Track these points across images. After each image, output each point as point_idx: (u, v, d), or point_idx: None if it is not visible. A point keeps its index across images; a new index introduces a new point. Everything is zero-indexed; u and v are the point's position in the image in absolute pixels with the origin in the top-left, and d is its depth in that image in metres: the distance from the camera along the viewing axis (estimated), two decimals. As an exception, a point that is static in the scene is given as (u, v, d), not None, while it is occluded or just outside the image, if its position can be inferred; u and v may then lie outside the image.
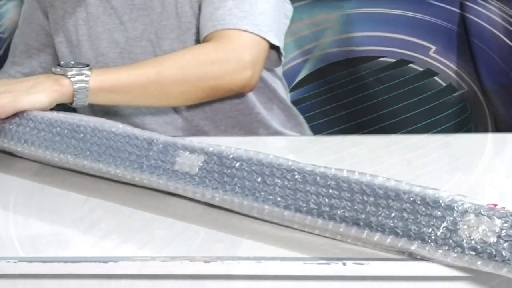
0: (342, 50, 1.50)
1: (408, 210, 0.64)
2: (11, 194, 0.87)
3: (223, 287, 0.67)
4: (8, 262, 0.67)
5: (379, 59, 1.49)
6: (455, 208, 0.62)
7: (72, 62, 0.99)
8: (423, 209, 0.63)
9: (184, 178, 0.76)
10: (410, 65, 1.48)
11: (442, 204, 0.63)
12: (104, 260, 0.66)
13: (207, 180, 0.75)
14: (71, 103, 0.97)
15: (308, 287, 0.66)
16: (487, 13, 1.45)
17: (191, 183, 0.76)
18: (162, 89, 1.01)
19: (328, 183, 0.68)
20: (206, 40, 1.08)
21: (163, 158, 0.79)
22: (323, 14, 1.49)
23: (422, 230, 0.63)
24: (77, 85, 0.95)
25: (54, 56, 1.26)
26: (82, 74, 0.96)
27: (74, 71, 0.96)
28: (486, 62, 1.46)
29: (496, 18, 1.45)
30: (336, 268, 0.64)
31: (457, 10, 1.47)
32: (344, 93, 1.51)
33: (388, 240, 0.64)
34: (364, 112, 1.50)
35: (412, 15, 1.48)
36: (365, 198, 0.66)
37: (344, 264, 0.64)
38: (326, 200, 0.68)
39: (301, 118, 1.32)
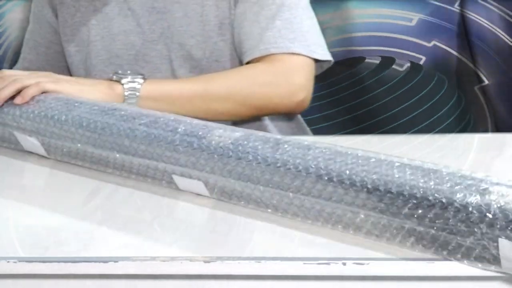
0: (342, 50, 1.50)
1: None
2: (11, 194, 0.87)
3: (223, 287, 0.67)
4: (8, 262, 0.67)
5: (378, 59, 1.49)
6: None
7: (129, 72, 1.05)
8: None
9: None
10: (410, 65, 1.48)
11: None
12: (104, 260, 0.66)
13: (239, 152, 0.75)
14: None
15: (308, 287, 0.66)
16: (487, 12, 1.45)
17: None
18: (208, 105, 1.05)
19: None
20: (255, 61, 1.10)
21: (196, 133, 0.80)
22: (323, 14, 1.49)
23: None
24: (128, 92, 1.01)
25: (61, 53, 1.26)
26: (134, 82, 1.02)
27: (128, 78, 1.02)
28: (486, 62, 1.46)
29: (496, 18, 1.45)
30: (336, 268, 0.64)
31: (457, 10, 1.47)
32: (344, 93, 1.51)
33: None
34: (364, 112, 1.50)
35: (412, 15, 1.48)
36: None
37: (344, 264, 0.64)
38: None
39: (304, 124, 1.31)
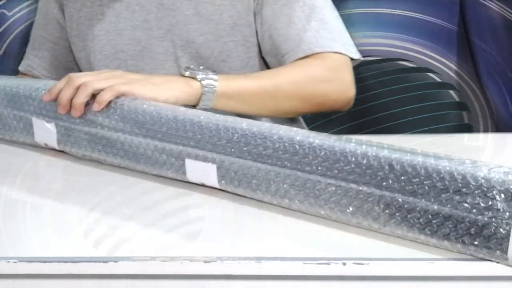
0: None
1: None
2: (13, 192, 0.87)
3: (223, 287, 0.67)
4: (8, 262, 0.67)
5: (378, 59, 1.49)
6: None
7: (201, 67, 1.03)
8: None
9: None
10: (410, 65, 1.48)
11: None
12: (104, 260, 0.66)
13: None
14: (194, 106, 0.99)
15: (308, 287, 0.66)
16: (487, 12, 1.45)
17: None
18: (276, 102, 1.05)
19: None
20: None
21: (225, 118, 0.82)
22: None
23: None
24: (206, 88, 0.99)
25: (69, 49, 1.26)
26: (210, 78, 1.00)
27: (202, 75, 0.99)
28: (486, 62, 1.46)
29: (496, 17, 1.45)
30: (336, 268, 0.64)
31: (457, 10, 1.47)
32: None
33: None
34: (363, 113, 1.50)
35: (412, 15, 1.48)
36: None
37: (344, 264, 0.64)
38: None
39: (303, 124, 1.31)
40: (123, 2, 1.18)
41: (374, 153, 0.69)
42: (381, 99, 1.50)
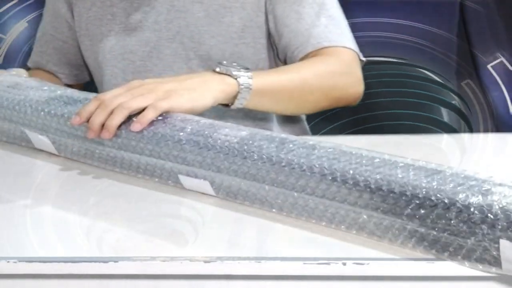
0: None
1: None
2: (15, 192, 0.87)
3: (223, 287, 0.67)
4: (8, 262, 0.66)
5: (378, 60, 1.49)
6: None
7: (235, 64, 0.97)
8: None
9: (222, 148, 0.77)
10: (410, 65, 1.48)
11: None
12: (104, 260, 0.66)
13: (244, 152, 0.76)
14: (228, 105, 0.96)
15: (308, 287, 0.66)
16: (488, 12, 1.45)
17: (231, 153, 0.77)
18: (301, 96, 1.05)
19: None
20: (308, 57, 1.10)
21: (203, 132, 0.80)
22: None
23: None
24: (243, 86, 0.95)
25: (77, 48, 1.27)
26: (245, 76, 0.95)
27: (236, 71, 0.95)
28: (486, 62, 1.46)
29: (496, 19, 1.45)
30: (336, 268, 0.64)
31: (457, 11, 1.47)
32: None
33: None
34: (364, 113, 1.50)
35: (412, 16, 1.48)
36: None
37: (344, 264, 0.64)
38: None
39: (307, 127, 1.31)
40: (134, 3, 1.18)
41: (352, 175, 0.68)
42: (381, 99, 1.50)
